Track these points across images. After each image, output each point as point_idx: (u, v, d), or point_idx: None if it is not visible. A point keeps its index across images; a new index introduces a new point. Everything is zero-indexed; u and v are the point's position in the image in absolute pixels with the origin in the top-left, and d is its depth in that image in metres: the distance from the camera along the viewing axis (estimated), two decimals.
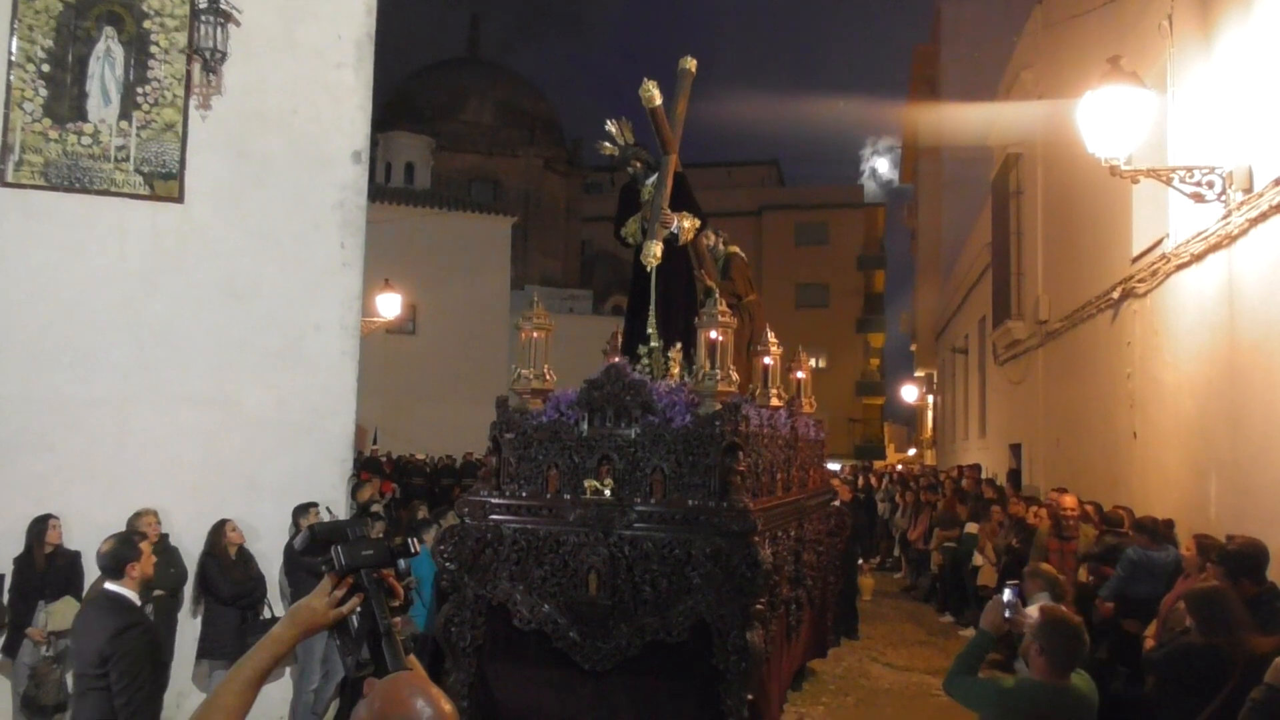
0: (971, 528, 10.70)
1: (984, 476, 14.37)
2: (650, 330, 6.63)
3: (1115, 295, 8.84)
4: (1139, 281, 8.16)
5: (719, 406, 5.36)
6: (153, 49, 6.83)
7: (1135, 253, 8.28)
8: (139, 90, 6.80)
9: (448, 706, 1.65)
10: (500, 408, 5.84)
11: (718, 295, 5.88)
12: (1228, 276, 6.36)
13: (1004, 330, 14.02)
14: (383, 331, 14.90)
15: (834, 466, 16.55)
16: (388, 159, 24.40)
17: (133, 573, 3.94)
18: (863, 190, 42.61)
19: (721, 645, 5.02)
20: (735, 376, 5.57)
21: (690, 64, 7.04)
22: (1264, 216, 5.74)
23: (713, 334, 5.58)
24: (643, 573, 5.22)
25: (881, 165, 48.74)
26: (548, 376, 5.94)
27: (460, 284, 22.26)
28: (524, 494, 5.61)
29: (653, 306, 6.68)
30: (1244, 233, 6.04)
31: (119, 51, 6.77)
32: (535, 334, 6.00)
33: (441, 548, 5.63)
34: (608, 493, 5.33)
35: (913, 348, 31.43)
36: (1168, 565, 6.05)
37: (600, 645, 5.24)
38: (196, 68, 6.90)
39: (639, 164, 6.90)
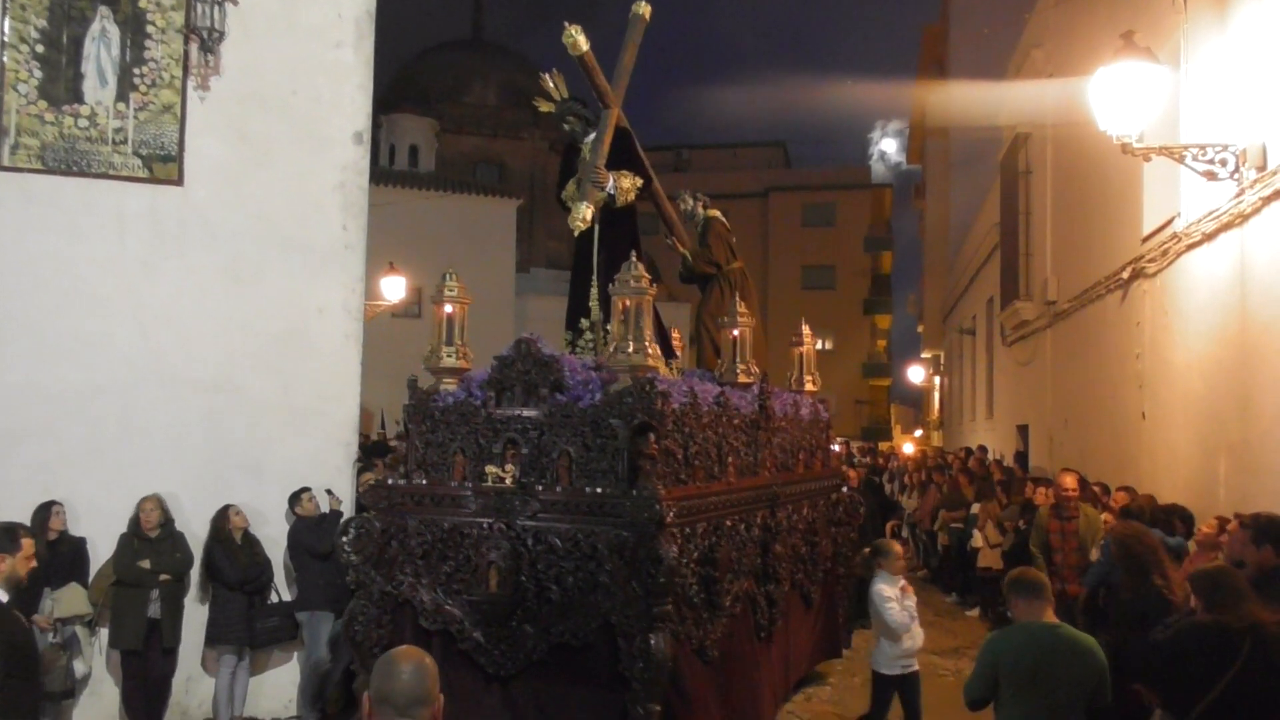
0: (977, 509, 10.65)
1: (991, 458, 14.30)
2: (592, 303, 6.19)
3: (1125, 275, 8.75)
4: (1149, 261, 8.07)
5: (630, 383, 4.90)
6: (149, 29, 6.75)
7: (1145, 232, 8.19)
8: (136, 71, 6.73)
9: (428, 660, 2.27)
10: (411, 388, 5.44)
11: (634, 259, 5.27)
12: (1240, 256, 6.28)
13: (1012, 311, 13.92)
14: (388, 315, 14.87)
15: (834, 448, 16.41)
16: (391, 141, 24.27)
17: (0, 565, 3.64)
18: (870, 171, 42.38)
19: (627, 650, 4.57)
20: (653, 349, 5.12)
21: (644, 9, 6.55)
22: (1277, 195, 5.66)
23: (627, 302, 5.08)
24: (547, 568, 4.82)
25: (889, 147, 48.44)
26: (463, 355, 5.56)
27: (465, 267, 22.11)
28: (424, 481, 5.22)
29: (594, 276, 6.21)
30: (1257, 211, 5.96)
31: (115, 32, 6.70)
32: (452, 308, 5.59)
33: (344, 540, 5.27)
34: (508, 480, 4.91)
35: (920, 329, 31.31)
36: None
37: (505, 647, 4.86)
38: (194, 48, 6.83)
39: (575, 119, 6.44)
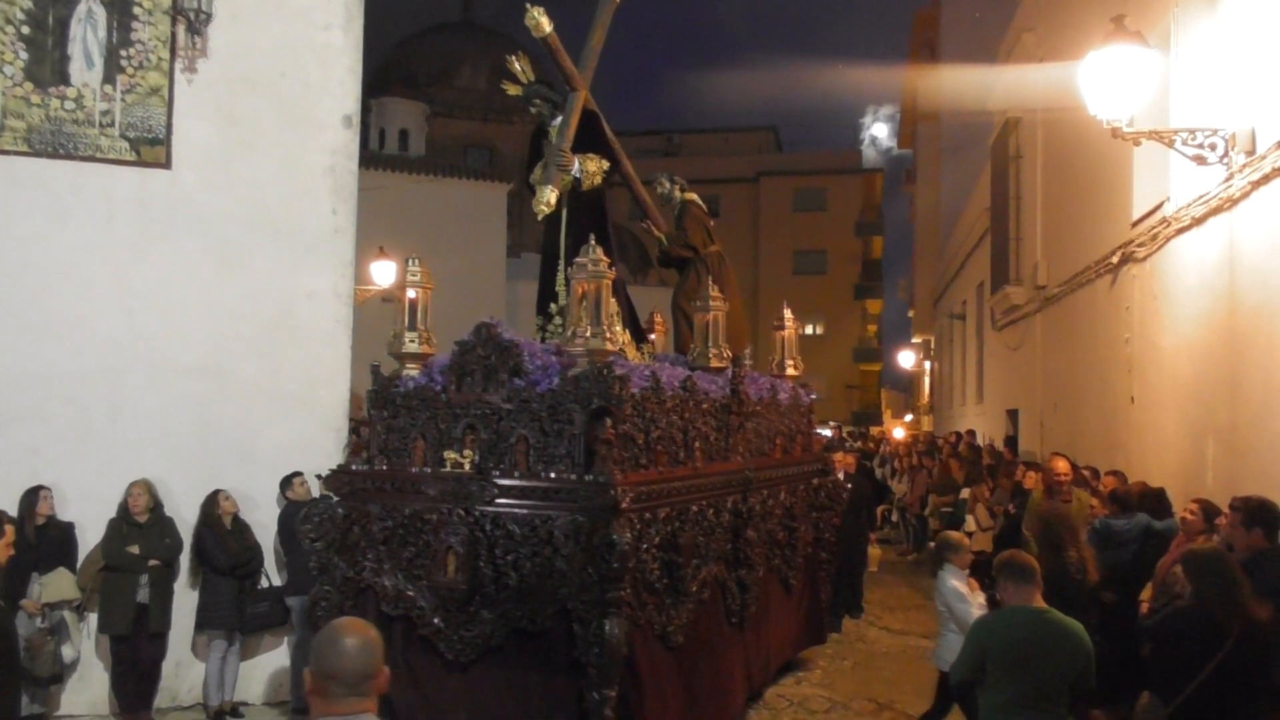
0: (967, 493, 10.71)
1: (979, 442, 14.37)
2: (559, 288, 6.12)
3: (1114, 260, 8.77)
4: (1139, 246, 8.08)
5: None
6: (136, 10, 6.68)
7: (1135, 217, 8.20)
8: (122, 53, 6.66)
9: (373, 633, 2.18)
10: (374, 374, 5.43)
11: (592, 242, 5.19)
12: (1228, 240, 6.29)
13: (1002, 296, 13.95)
14: (378, 300, 14.80)
15: (825, 432, 16.48)
16: (381, 125, 24.12)
17: None
18: (861, 156, 42.34)
19: (583, 635, 4.54)
20: (612, 333, 5.05)
21: None
22: (1266, 179, 5.66)
23: (586, 286, 5.03)
24: (505, 554, 4.78)
25: (880, 131, 48.30)
26: (426, 340, 5.51)
27: (456, 252, 22.05)
28: (384, 466, 5.19)
29: (562, 260, 6.12)
30: (1245, 196, 5.96)
31: (101, 13, 6.63)
32: (415, 293, 5.54)
33: (306, 526, 5.24)
34: (467, 465, 4.89)
35: (910, 314, 31.37)
36: (1130, 533, 6.23)
37: (464, 633, 4.84)
38: (181, 29, 6.77)
39: (542, 102, 6.38)
